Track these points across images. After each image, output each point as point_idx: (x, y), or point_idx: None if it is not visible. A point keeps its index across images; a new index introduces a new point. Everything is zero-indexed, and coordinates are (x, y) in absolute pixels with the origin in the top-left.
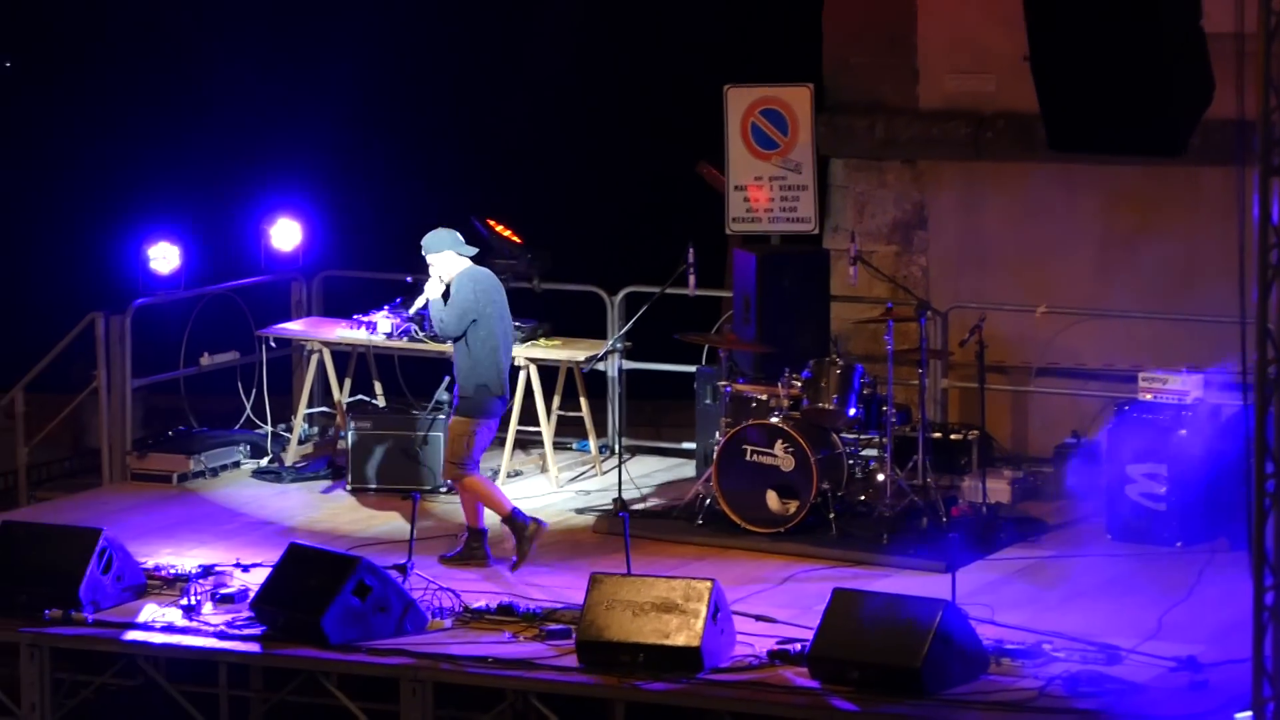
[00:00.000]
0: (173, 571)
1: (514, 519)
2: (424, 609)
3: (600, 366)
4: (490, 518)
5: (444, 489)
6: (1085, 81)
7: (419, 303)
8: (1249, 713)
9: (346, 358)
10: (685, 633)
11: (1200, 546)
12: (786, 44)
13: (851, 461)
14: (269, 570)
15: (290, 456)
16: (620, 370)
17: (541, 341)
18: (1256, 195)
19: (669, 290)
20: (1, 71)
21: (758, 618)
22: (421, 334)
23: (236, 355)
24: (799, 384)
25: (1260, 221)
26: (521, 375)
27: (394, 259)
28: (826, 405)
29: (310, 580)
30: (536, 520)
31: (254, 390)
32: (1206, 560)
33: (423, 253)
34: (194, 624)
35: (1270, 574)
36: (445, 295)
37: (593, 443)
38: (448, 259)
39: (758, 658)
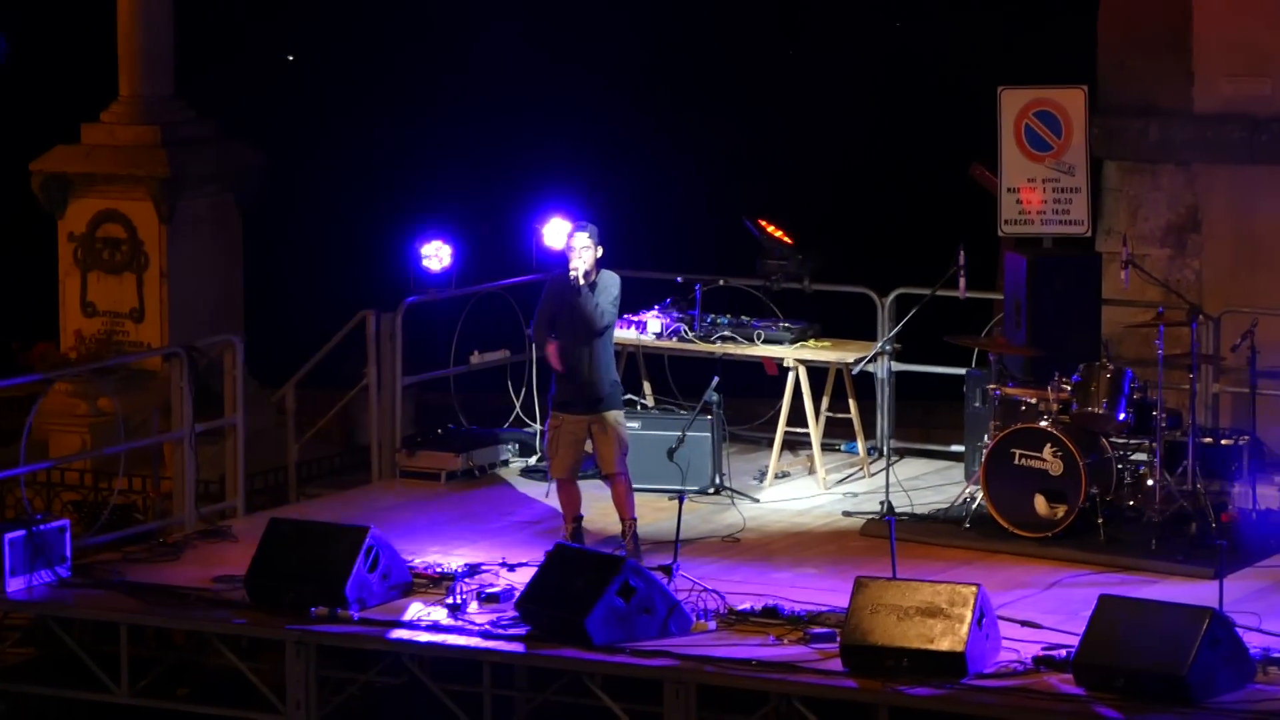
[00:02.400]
0: (439, 570)
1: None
2: (689, 610)
3: (869, 368)
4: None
5: (711, 490)
6: None
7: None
8: None
9: (617, 357)
10: (950, 638)
11: None
12: (1061, 45)
13: (1120, 466)
14: (534, 570)
15: None
16: (889, 372)
17: (811, 342)
18: None
19: (939, 292)
20: (283, 67)
21: (1023, 623)
22: (691, 334)
23: (506, 354)
24: (1068, 388)
25: None
26: (790, 376)
27: (664, 258)
28: (1096, 409)
29: (575, 581)
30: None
31: (523, 389)
32: None
33: (591, 238)
34: (459, 623)
35: None
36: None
37: (861, 445)
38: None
39: (1023, 664)
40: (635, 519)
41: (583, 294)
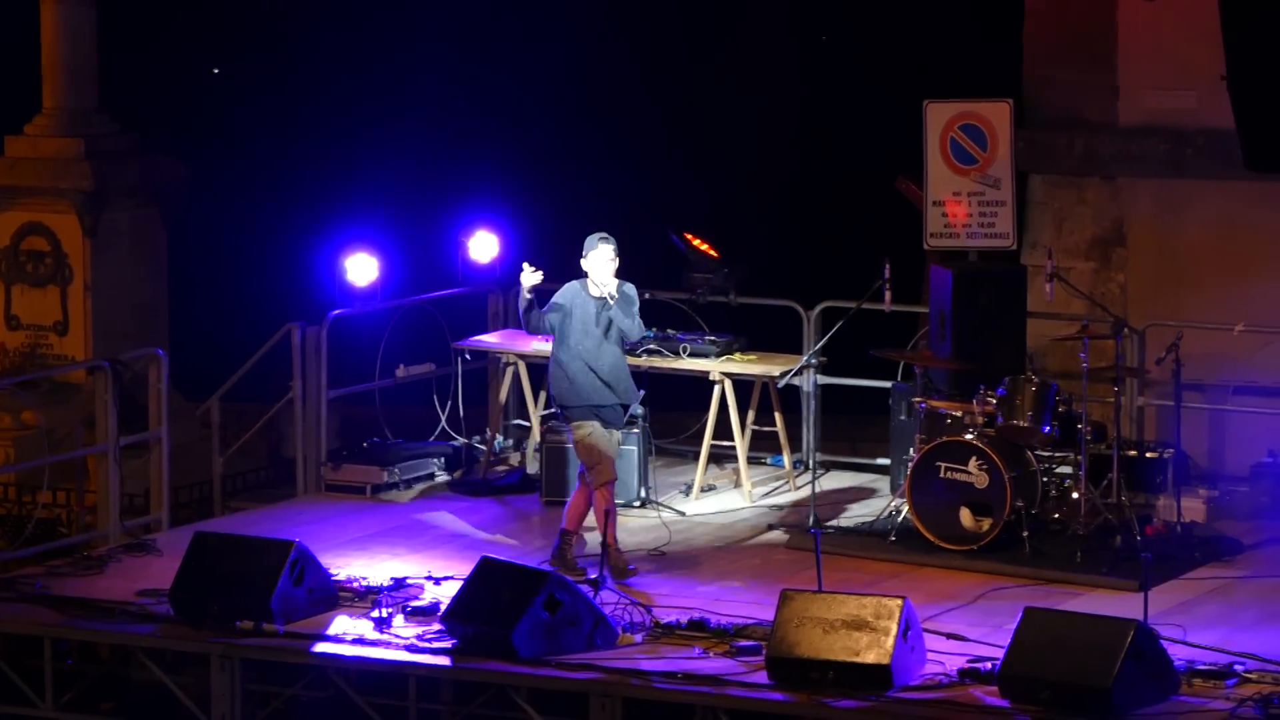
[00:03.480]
0: (364, 584)
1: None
2: (615, 623)
3: (795, 381)
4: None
5: (637, 503)
6: None
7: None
8: None
9: (542, 371)
10: (875, 650)
11: None
12: (987, 60)
13: (1045, 479)
14: (460, 584)
15: (484, 469)
16: (815, 385)
17: (737, 356)
18: None
19: (865, 305)
20: (207, 80)
21: (949, 636)
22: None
23: (432, 367)
24: (994, 401)
25: None
26: (716, 390)
27: None
28: (1021, 423)
29: (501, 594)
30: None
31: (449, 402)
32: None
33: (615, 250)
34: (385, 637)
35: None
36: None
37: (786, 458)
38: None
39: (948, 676)
40: (568, 530)
41: (614, 307)
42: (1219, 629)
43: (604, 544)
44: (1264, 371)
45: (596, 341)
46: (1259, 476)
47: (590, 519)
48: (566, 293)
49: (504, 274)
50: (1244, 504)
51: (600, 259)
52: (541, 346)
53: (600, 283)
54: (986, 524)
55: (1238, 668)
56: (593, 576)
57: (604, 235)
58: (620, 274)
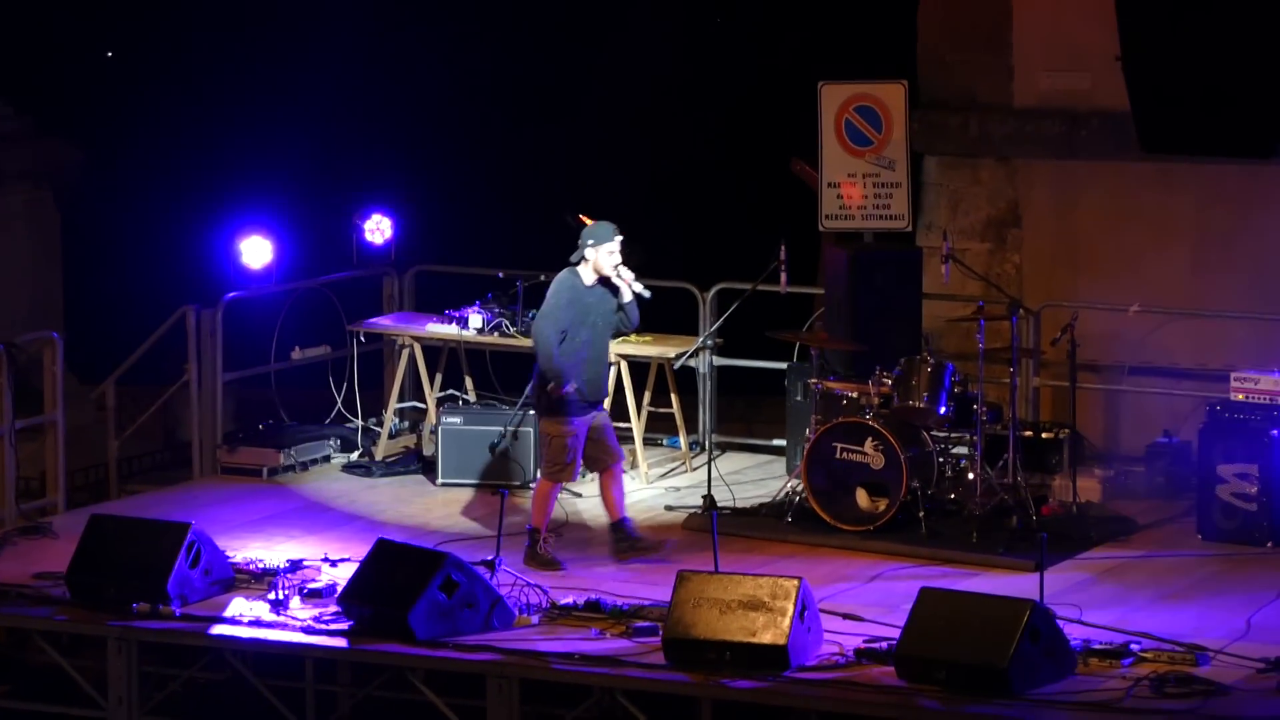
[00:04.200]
0: (261, 566)
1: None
2: (511, 605)
3: (691, 363)
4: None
5: (533, 484)
6: (1176, 82)
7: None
8: None
9: (438, 353)
10: (772, 631)
11: None
12: (881, 41)
13: (942, 460)
14: (357, 565)
15: (380, 451)
16: (711, 367)
17: (633, 338)
18: None
19: (760, 287)
20: (103, 64)
21: (845, 616)
22: (513, 329)
23: (328, 350)
24: (890, 382)
25: None
26: (613, 371)
27: (486, 254)
28: (917, 403)
29: (398, 576)
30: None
31: (345, 385)
32: None
33: (622, 241)
34: (281, 619)
35: None
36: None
37: (683, 439)
38: None
39: (844, 656)
40: (537, 528)
41: (619, 294)
42: (1115, 608)
43: (535, 532)
44: (1159, 352)
45: (599, 334)
46: (1154, 456)
47: (548, 511)
48: (564, 291)
49: (399, 256)
50: (1139, 484)
51: (615, 249)
52: (436, 329)
53: (612, 274)
54: (882, 504)
55: (1134, 647)
56: (490, 559)
57: (612, 224)
58: (515, 257)
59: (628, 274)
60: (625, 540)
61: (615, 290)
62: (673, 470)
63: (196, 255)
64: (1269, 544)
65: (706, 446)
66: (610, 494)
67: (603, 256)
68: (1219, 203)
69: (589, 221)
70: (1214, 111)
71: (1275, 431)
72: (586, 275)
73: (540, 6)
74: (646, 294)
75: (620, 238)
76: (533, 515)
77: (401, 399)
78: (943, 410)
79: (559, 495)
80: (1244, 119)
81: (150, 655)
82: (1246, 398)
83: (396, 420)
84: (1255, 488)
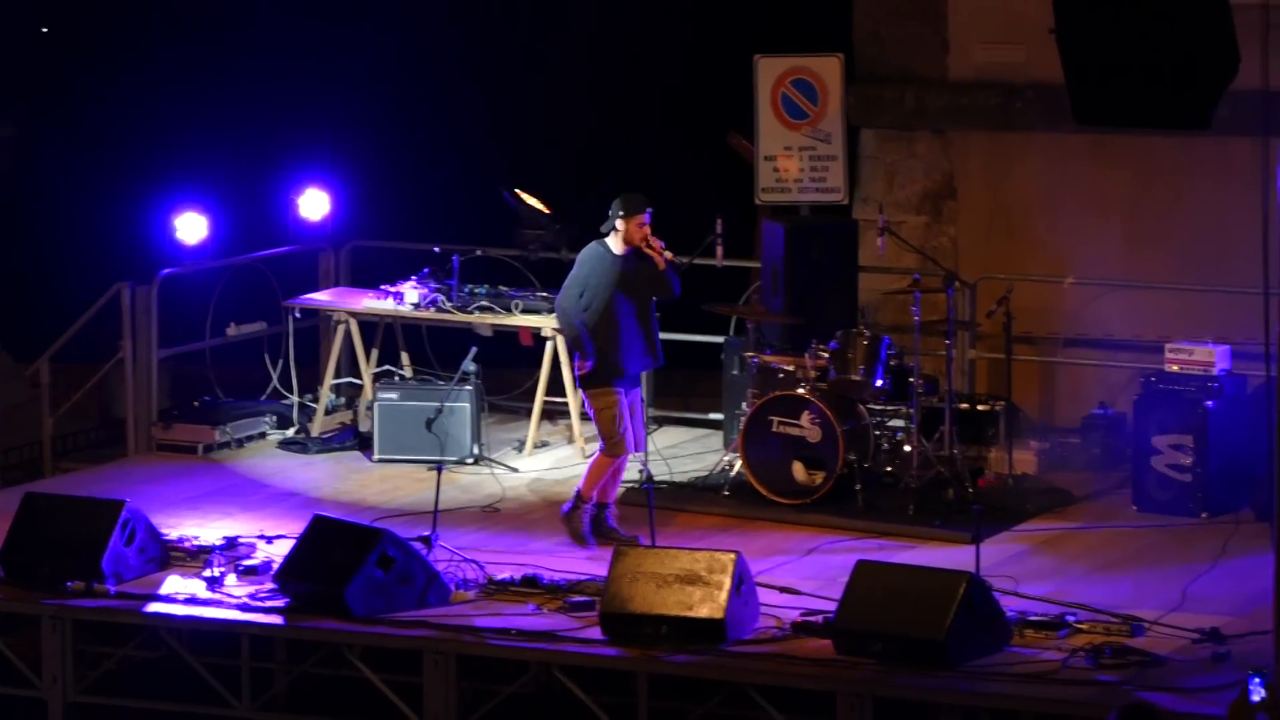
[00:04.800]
0: (196, 543)
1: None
2: (448, 581)
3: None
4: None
5: (470, 460)
6: (1110, 54)
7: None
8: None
9: (374, 328)
10: (709, 604)
11: (1225, 518)
12: (817, 14)
13: (878, 433)
14: (293, 542)
15: (316, 427)
16: None
17: None
18: None
19: (697, 261)
20: (35, 39)
21: (782, 589)
22: (449, 304)
23: (263, 326)
24: (826, 355)
25: None
26: (548, 346)
27: (422, 229)
28: (853, 376)
29: (334, 552)
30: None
31: (280, 361)
32: (1231, 532)
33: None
34: (217, 596)
35: None
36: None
37: None
38: None
39: (781, 629)
40: (582, 496)
41: (650, 264)
42: (1051, 580)
43: (581, 498)
44: (1094, 324)
45: (641, 301)
46: (1090, 428)
47: (600, 483)
48: (586, 262)
49: (334, 231)
50: (1075, 455)
51: (645, 221)
52: (372, 304)
53: (642, 244)
54: (819, 477)
55: (1069, 619)
56: (426, 535)
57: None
58: (455, 230)
59: (658, 243)
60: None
61: (650, 260)
62: None
63: (131, 231)
64: (1204, 515)
65: (643, 420)
66: (601, 475)
67: (632, 228)
68: (1154, 175)
69: (526, 197)
70: (1148, 83)
71: (1210, 403)
72: (616, 245)
73: None
74: (682, 261)
75: (650, 209)
76: (585, 483)
77: (338, 375)
78: (879, 383)
79: (496, 471)
80: (1178, 90)
81: (85, 634)
82: (1181, 369)
83: (333, 396)
84: (1190, 459)
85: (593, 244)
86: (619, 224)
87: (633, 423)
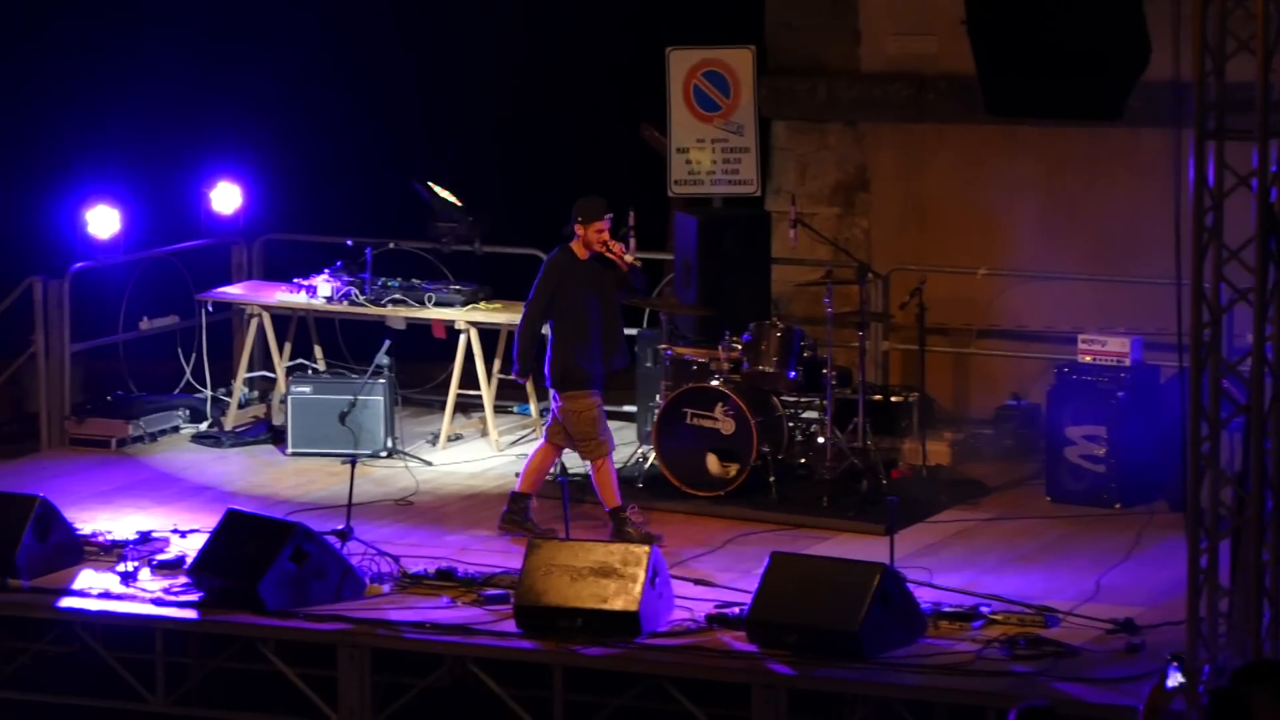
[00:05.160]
0: (110, 538)
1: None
2: (362, 574)
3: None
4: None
5: (384, 453)
6: (1021, 45)
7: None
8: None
9: (287, 322)
10: (623, 597)
11: (1139, 509)
12: (728, 6)
13: (792, 424)
14: (207, 536)
15: (230, 421)
16: None
17: (482, 305)
18: (1192, 158)
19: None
20: None
21: (697, 581)
22: (362, 298)
23: (176, 319)
24: (739, 347)
25: (1195, 184)
26: (462, 339)
27: (335, 223)
28: (767, 368)
29: (247, 546)
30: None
31: (194, 355)
32: (1145, 523)
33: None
34: (131, 591)
35: (1205, 536)
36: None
37: (533, 406)
38: None
39: (696, 622)
40: (615, 509)
41: (616, 268)
42: (965, 571)
43: (617, 513)
44: (1007, 315)
45: (607, 303)
46: (1003, 419)
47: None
48: (550, 272)
49: (247, 225)
50: (989, 447)
51: (603, 227)
52: (285, 298)
53: (600, 249)
54: (733, 469)
55: (983, 609)
56: (340, 528)
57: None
58: (368, 223)
59: (618, 247)
60: (516, 518)
61: (612, 263)
62: (523, 437)
63: (43, 225)
64: (1117, 505)
65: None
66: (540, 467)
67: (591, 234)
68: (1066, 165)
69: (439, 190)
70: (1060, 74)
71: (1122, 393)
72: (579, 250)
73: None
74: (638, 264)
75: (610, 215)
76: (605, 499)
77: (251, 369)
78: (792, 375)
79: (410, 464)
80: (1090, 82)
81: None
82: (1094, 360)
83: (246, 390)
84: (1103, 449)
85: (556, 251)
86: (578, 229)
87: None
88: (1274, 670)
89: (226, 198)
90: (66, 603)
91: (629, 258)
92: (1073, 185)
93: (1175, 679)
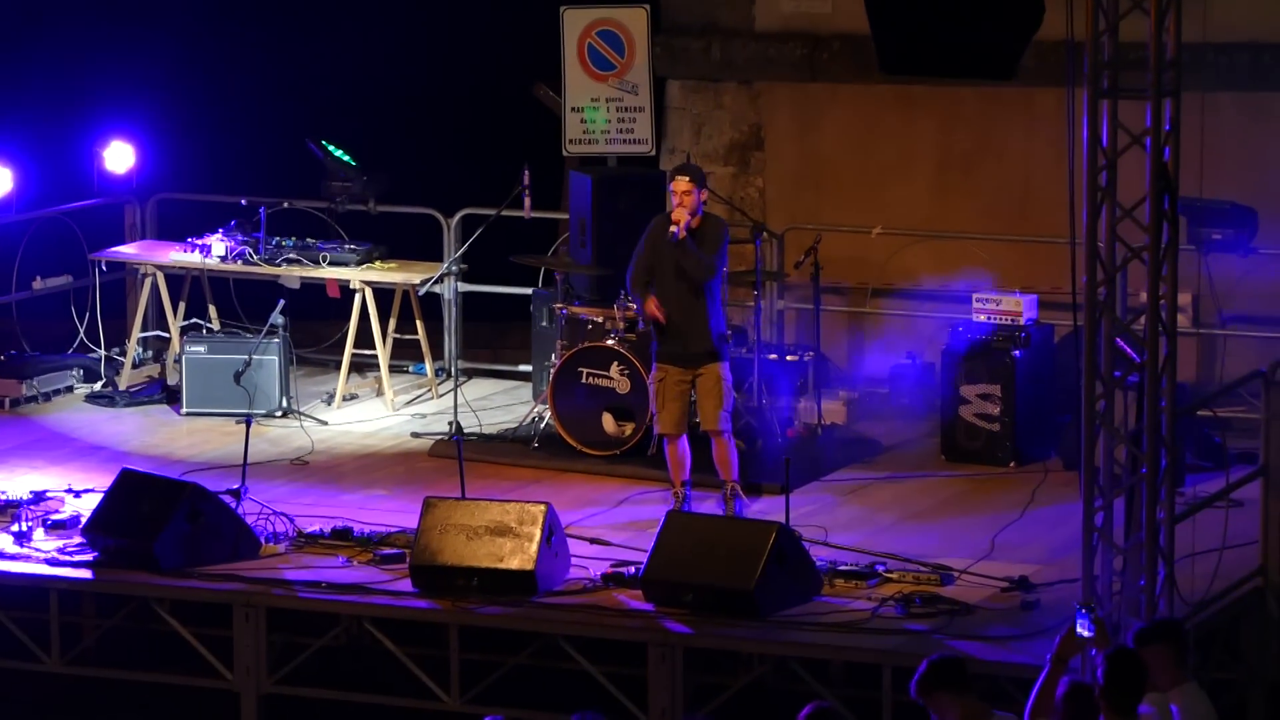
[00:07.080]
0: (4, 498)
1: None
2: (258, 534)
3: (436, 289)
4: None
5: (279, 413)
6: (915, 5)
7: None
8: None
9: (181, 281)
10: (519, 556)
11: (1033, 467)
12: None
13: None
14: (101, 496)
15: (124, 381)
16: (456, 293)
17: (377, 264)
18: (1086, 117)
19: (505, 213)
20: None
21: (592, 540)
22: (256, 257)
23: (69, 279)
24: (634, 306)
25: (1089, 143)
26: (357, 298)
27: (229, 182)
28: None
29: (142, 506)
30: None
31: (87, 314)
32: (1039, 481)
33: (693, 181)
34: (25, 550)
35: (1100, 495)
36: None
37: (429, 366)
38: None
39: (592, 581)
40: (737, 481)
41: (685, 246)
42: (860, 530)
43: (724, 484)
44: (902, 274)
45: (669, 283)
46: (898, 378)
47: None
48: (648, 230)
49: (140, 184)
50: (884, 405)
51: (673, 188)
52: (179, 257)
53: (673, 219)
54: (629, 429)
55: (879, 568)
56: (235, 488)
57: (684, 165)
58: (262, 182)
59: (677, 214)
60: None
61: (694, 238)
62: (419, 397)
63: None
64: (1011, 464)
65: (452, 373)
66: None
67: (672, 200)
68: (960, 125)
69: (333, 149)
70: (954, 34)
71: (1017, 352)
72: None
73: None
74: (680, 234)
75: (682, 177)
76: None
77: (145, 328)
78: None
79: (305, 424)
80: (984, 41)
81: None
82: (988, 318)
83: (140, 350)
84: (998, 408)
85: (657, 218)
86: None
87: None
88: (1172, 629)
89: (119, 157)
90: None
91: (672, 227)
92: (967, 144)
93: (1083, 626)
